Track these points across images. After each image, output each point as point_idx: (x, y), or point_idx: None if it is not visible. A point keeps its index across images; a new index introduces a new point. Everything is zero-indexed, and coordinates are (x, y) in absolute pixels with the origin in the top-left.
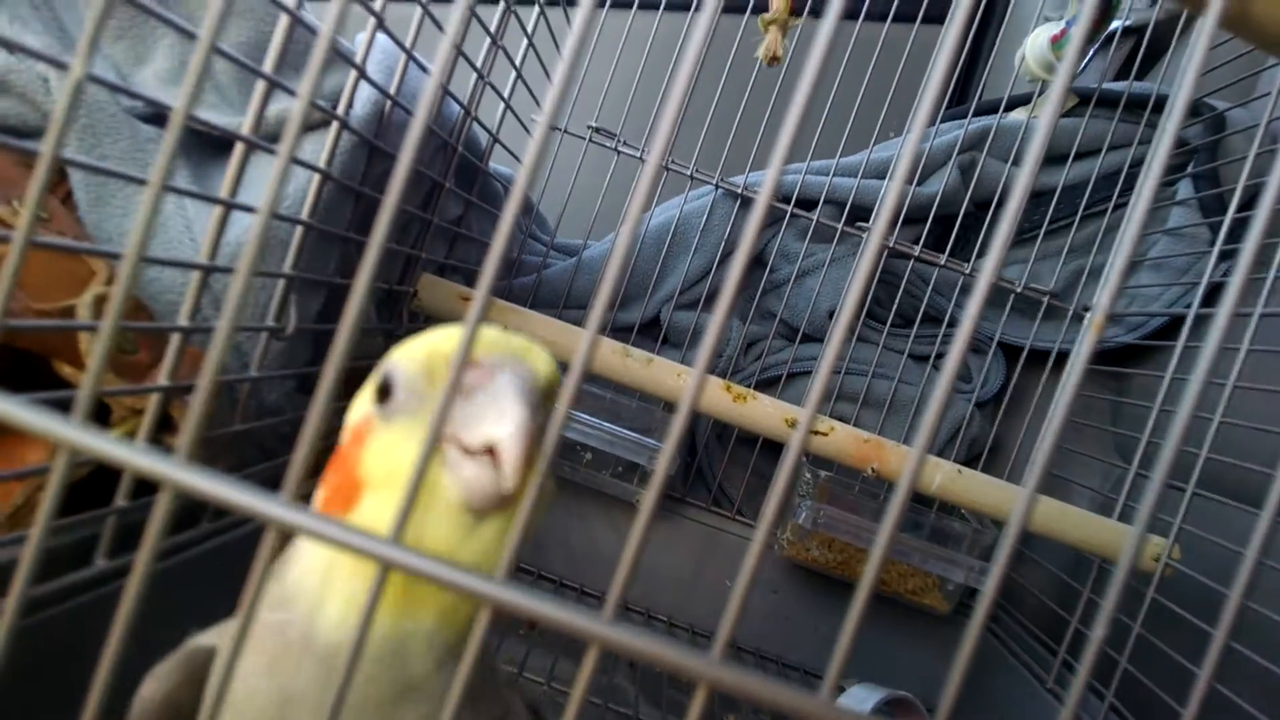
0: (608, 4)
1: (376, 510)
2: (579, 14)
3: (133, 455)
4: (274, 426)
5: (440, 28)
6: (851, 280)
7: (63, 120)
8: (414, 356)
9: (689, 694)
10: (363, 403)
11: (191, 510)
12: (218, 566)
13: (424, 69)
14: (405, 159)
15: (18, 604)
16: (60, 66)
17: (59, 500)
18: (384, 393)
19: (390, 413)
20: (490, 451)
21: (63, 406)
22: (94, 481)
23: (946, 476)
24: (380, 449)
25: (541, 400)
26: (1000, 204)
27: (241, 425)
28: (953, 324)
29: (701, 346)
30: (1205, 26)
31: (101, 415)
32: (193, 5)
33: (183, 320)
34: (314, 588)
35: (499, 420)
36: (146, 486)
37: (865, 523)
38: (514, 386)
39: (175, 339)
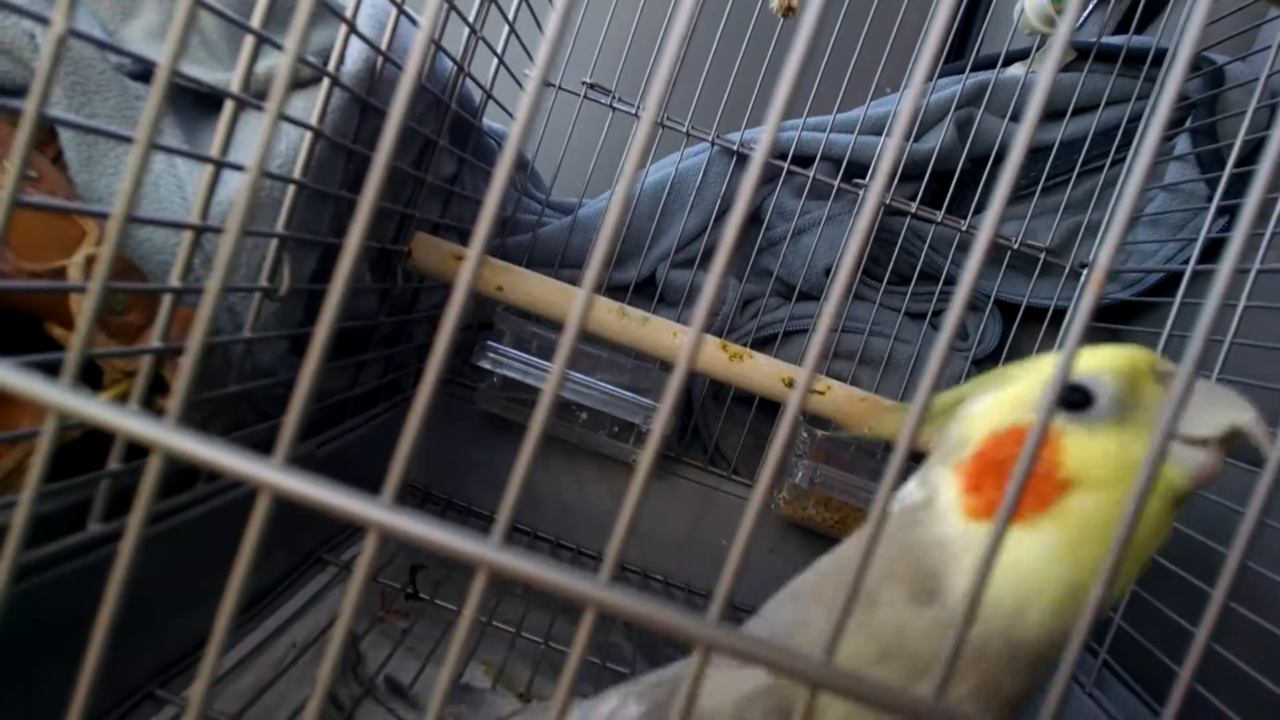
0: None
1: (1094, 506)
2: None
3: (121, 418)
4: (268, 388)
5: None
6: (849, 238)
7: (46, 76)
8: (1118, 370)
9: (688, 653)
10: (1005, 412)
11: (186, 473)
12: (213, 530)
13: (416, 23)
14: (396, 114)
15: (10, 568)
16: (44, 22)
17: (49, 464)
18: (1078, 403)
19: (1093, 419)
20: (1204, 442)
21: (53, 369)
22: (91, 444)
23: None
24: (1095, 452)
25: None
26: (998, 160)
27: (236, 387)
28: (949, 281)
29: (698, 305)
30: None
31: (94, 378)
32: None
33: (174, 281)
34: (1014, 593)
35: (1233, 409)
36: (141, 449)
37: (862, 482)
38: (1218, 387)
39: (167, 300)
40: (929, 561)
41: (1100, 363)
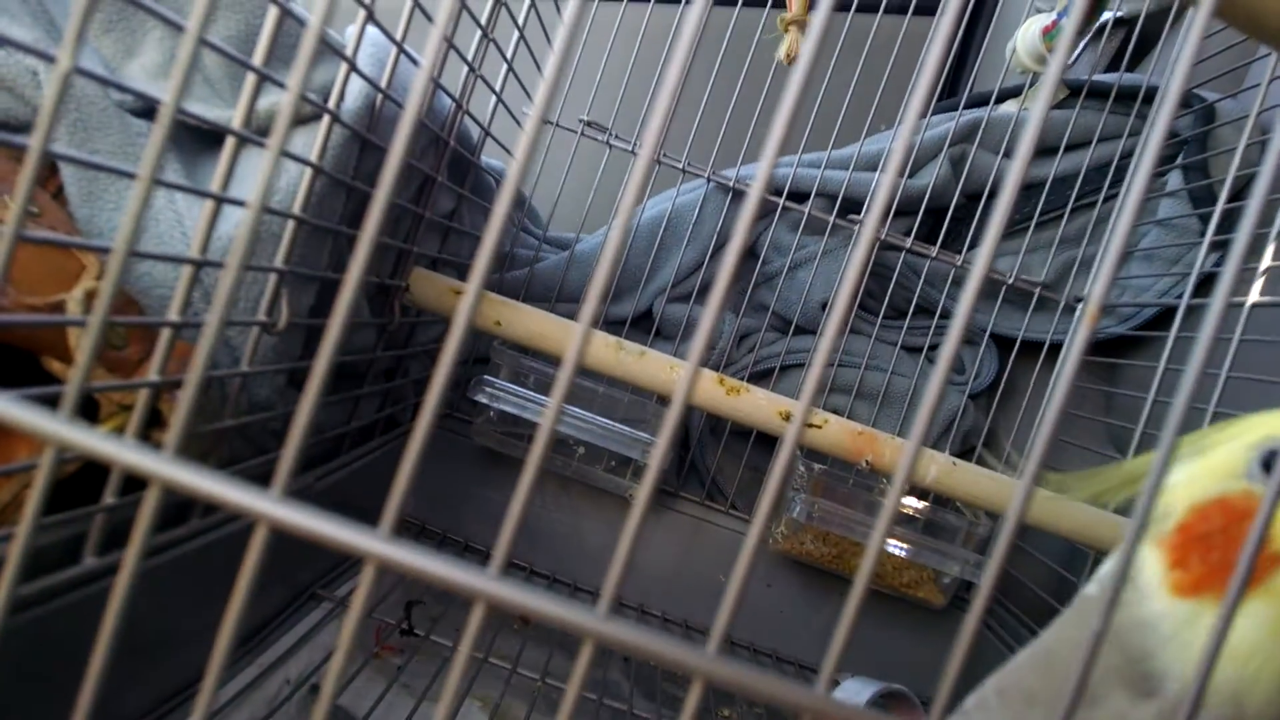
0: None
1: None
2: (570, 6)
3: (120, 450)
4: (264, 422)
5: (431, 20)
6: (843, 274)
7: (51, 114)
8: None
9: (684, 688)
10: (1207, 482)
11: (181, 507)
12: (207, 564)
13: (415, 62)
14: (396, 152)
15: (6, 602)
16: (48, 60)
17: (47, 496)
18: None
19: None
20: None
21: (51, 402)
22: (83, 478)
23: (941, 469)
24: None
25: None
26: (992, 195)
27: (232, 421)
28: (945, 315)
29: (694, 340)
30: (1198, 17)
31: (90, 411)
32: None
33: (173, 315)
34: (1232, 679)
35: None
36: (136, 483)
37: (860, 516)
38: None
39: (165, 334)
40: (1139, 645)
41: None
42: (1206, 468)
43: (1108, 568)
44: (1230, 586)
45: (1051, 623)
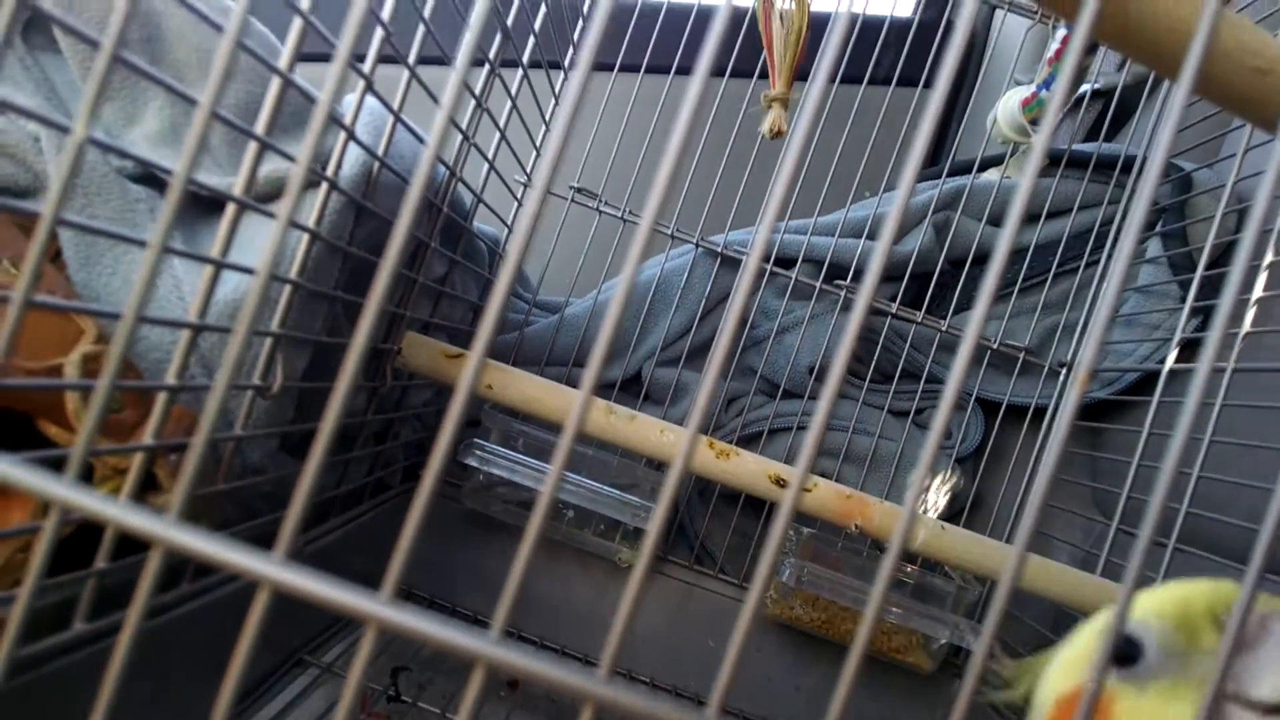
0: (589, 68)
1: None
2: (572, 84)
3: (125, 514)
4: (256, 485)
5: (428, 90)
6: (831, 338)
7: (65, 182)
8: (1165, 614)
9: None
10: (1070, 671)
11: (171, 572)
12: (198, 629)
13: (411, 130)
14: (402, 226)
15: (6, 663)
16: (56, 127)
17: (49, 558)
18: (1128, 657)
19: (1141, 676)
20: (1270, 709)
21: (51, 465)
22: (69, 545)
23: (930, 533)
24: (1145, 716)
25: None
26: (975, 261)
27: (225, 485)
28: (931, 379)
29: (691, 406)
30: (1179, 91)
31: (84, 475)
32: (181, 67)
33: (170, 379)
34: None
35: None
36: (126, 547)
37: (849, 580)
38: None
39: (162, 397)
40: None
41: (1150, 607)
42: (1073, 655)
43: None
44: None
45: None
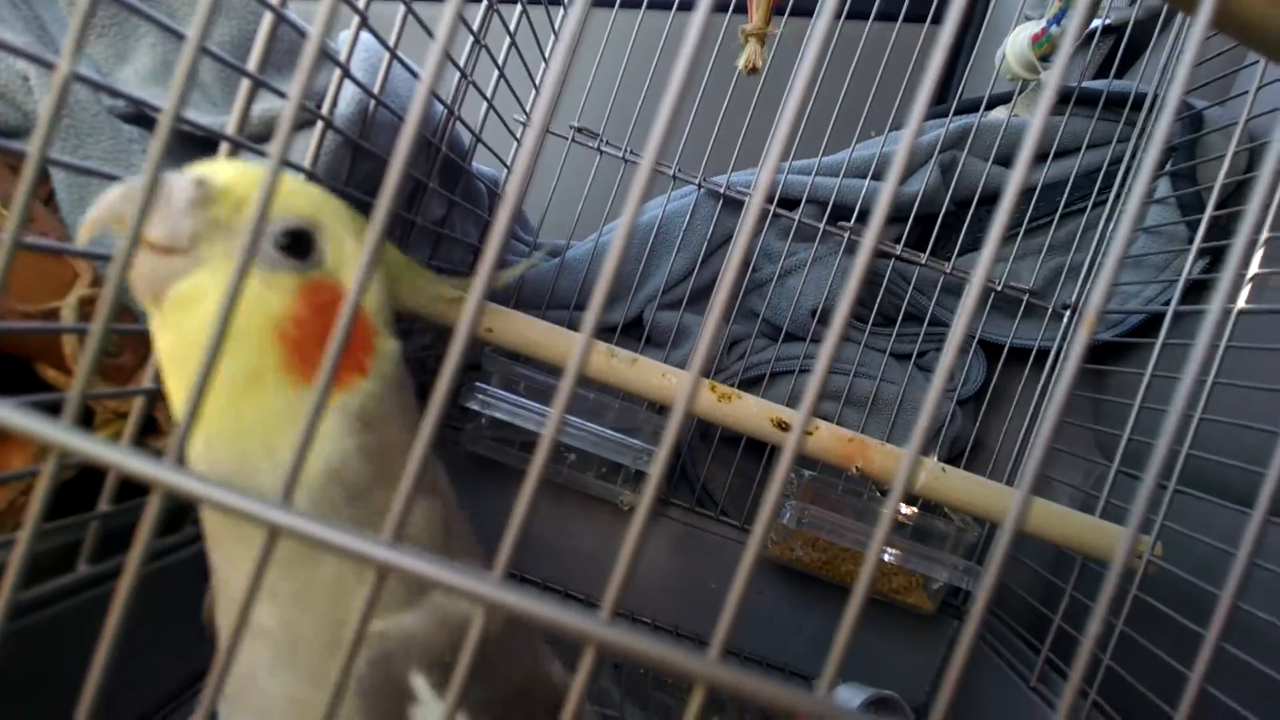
0: (589, 4)
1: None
2: (571, 16)
3: (124, 457)
4: None
5: (424, 26)
6: (834, 281)
7: (50, 120)
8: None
9: (674, 695)
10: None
11: (174, 515)
12: (199, 573)
13: (407, 67)
14: (396, 167)
15: (7, 606)
16: (46, 65)
17: (49, 502)
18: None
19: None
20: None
21: (50, 409)
22: (72, 490)
23: (931, 475)
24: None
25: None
26: (982, 202)
27: None
28: (934, 322)
29: (694, 351)
30: (1197, 25)
31: (84, 419)
32: (174, 3)
33: None
34: None
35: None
36: (128, 491)
37: (850, 522)
38: None
39: None
40: None
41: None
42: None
43: None
44: None
45: None
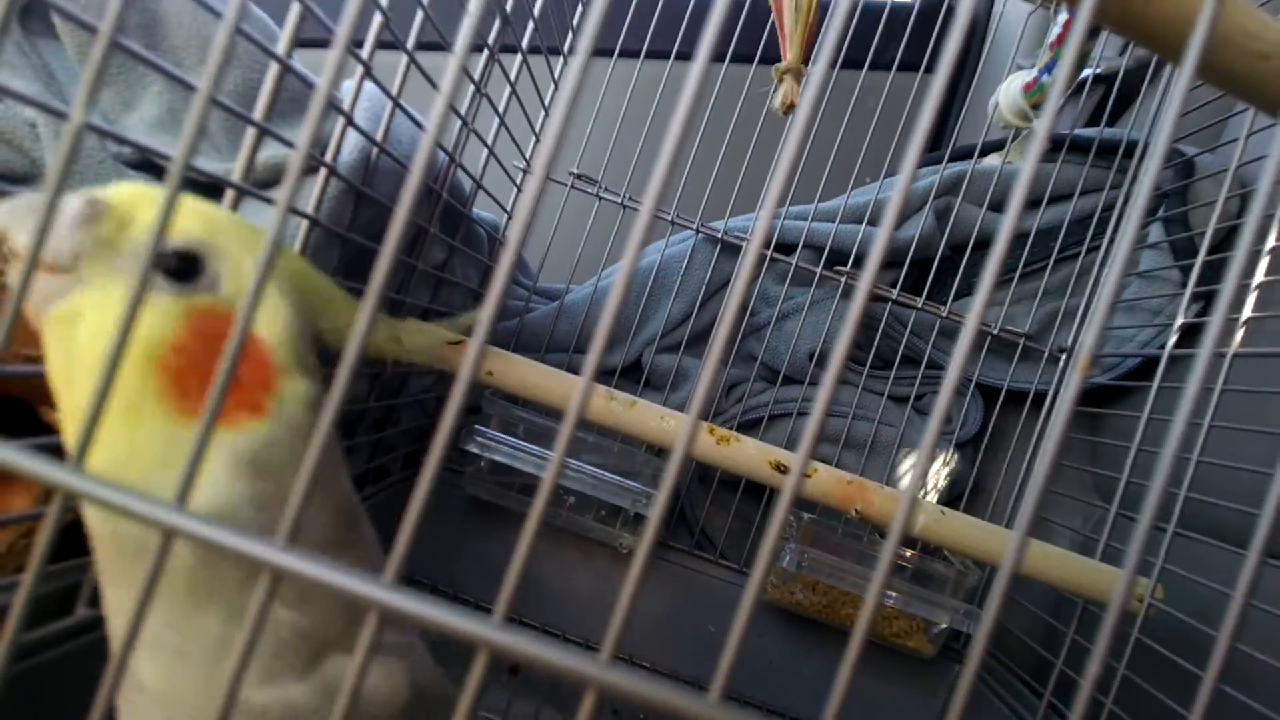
0: (588, 54)
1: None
2: (572, 67)
3: (127, 500)
4: None
5: (427, 76)
6: (831, 325)
7: (63, 169)
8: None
9: None
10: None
11: None
12: None
13: (410, 116)
14: (401, 215)
15: (10, 648)
16: (54, 113)
17: (53, 544)
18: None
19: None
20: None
21: (53, 451)
22: (65, 531)
23: (930, 518)
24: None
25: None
26: (976, 247)
27: None
28: (931, 365)
29: (693, 392)
30: (1183, 76)
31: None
32: (179, 53)
33: None
34: None
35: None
36: None
37: (849, 565)
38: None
39: None
40: None
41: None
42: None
43: None
44: None
45: None
